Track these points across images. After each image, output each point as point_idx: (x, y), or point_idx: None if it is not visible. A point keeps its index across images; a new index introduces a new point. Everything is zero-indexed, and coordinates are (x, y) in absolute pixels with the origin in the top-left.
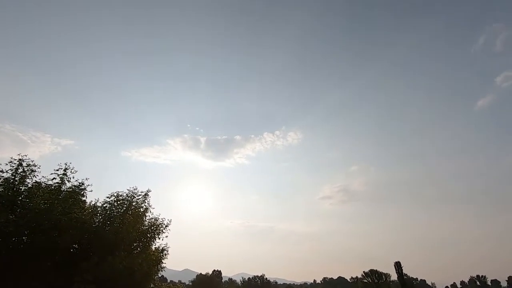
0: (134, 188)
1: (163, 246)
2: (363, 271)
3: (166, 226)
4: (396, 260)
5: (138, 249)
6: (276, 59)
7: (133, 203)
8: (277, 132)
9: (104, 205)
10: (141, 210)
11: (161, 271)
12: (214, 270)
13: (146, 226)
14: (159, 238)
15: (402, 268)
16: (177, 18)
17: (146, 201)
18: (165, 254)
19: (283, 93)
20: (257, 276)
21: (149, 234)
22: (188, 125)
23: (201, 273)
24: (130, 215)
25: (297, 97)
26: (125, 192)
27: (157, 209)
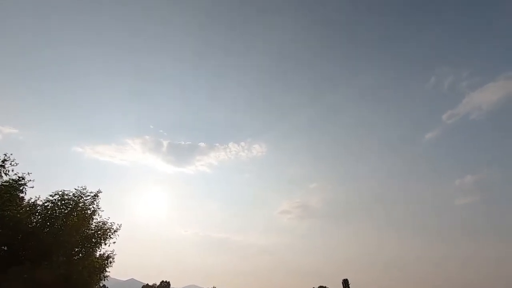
0: (83, 187)
1: (109, 253)
2: (313, 287)
3: (114, 231)
4: (345, 278)
5: (80, 254)
6: (250, 72)
7: (80, 204)
8: (242, 143)
9: (46, 204)
10: (88, 212)
11: (103, 280)
12: (162, 281)
13: (92, 230)
14: (106, 244)
15: (349, 285)
16: (155, 18)
17: (95, 202)
18: (110, 262)
19: (253, 105)
20: None
21: (94, 239)
22: (151, 126)
23: (147, 284)
24: (75, 216)
25: (266, 111)
26: (72, 191)
27: (107, 212)
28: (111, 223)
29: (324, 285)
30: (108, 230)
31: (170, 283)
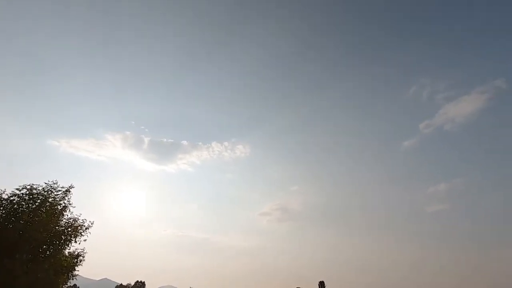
0: (54, 182)
1: (79, 251)
2: None
3: (86, 229)
4: (322, 280)
5: (48, 252)
6: (237, 72)
7: (50, 199)
8: (226, 143)
9: (12, 198)
10: (59, 208)
11: (72, 279)
12: (137, 281)
13: (62, 227)
14: (77, 242)
15: (325, 287)
16: (141, 13)
17: (66, 198)
18: (80, 261)
19: (238, 105)
20: None
21: (64, 236)
22: (133, 122)
23: (121, 284)
24: (44, 212)
25: (252, 112)
26: (41, 186)
27: (81, 209)
28: (83, 220)
29: (301, 287)
30: (79, 227)
31: (145, 283)
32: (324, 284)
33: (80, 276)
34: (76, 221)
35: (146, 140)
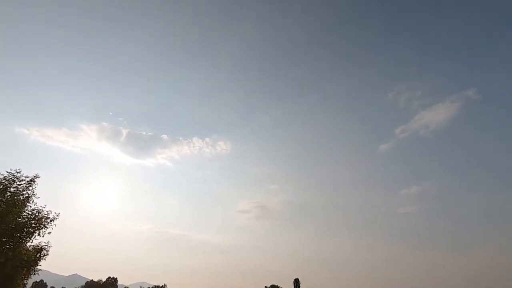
0: (17, 171)
1: (43, 244)
2: (265, 286)
3: (51, 221)
4: (297, 277)
5: (8, 246)
6: (222, 68)
7: (11, 189)
8: (207, 139)
9: None
10: (21, 198)
11: (34, 274)
12: (109, 277)
13: (25, 218)
14: (40, 235)
15: (300, 285)
16: (123, 2)
17: (30, 188)
18: (44, 255)
19: (222, 102)
20: (158, 286)
21: (26, 228)
22: (111, 113)
23: (92, 280)
24: (4, 202)
25: (235, 109)
26: (2, 174)
27: (52, 201)
28: (47, 211)
29: (276, 284)
30: (43, 219)
31: (118, 279)
32: (298, 282)
33: (48, 271)
34: (40, 213)
35: (124, 132)
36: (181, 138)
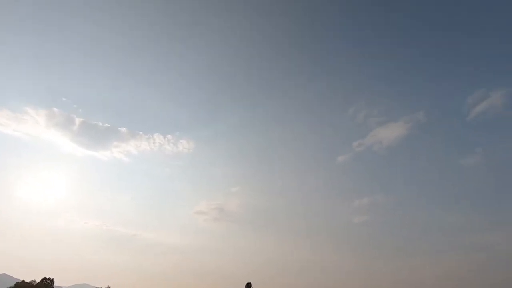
0: None
1: None
2: None
3: None
4: (250, 281)
5: None
6: (193, 63)
7: None
8: (169, 136)
9: None
10: None
11: None
12: (44, 278)
13: None
14: None
15: None
16: None
17: None
18: None
19: (189, 99)
20: None
21: None
22: (64, 99)
23: (23, 281)
24: None
25: (201, 108)
26: None
27: None
28: None
29: None
30: None
31: (55, 280)
32: (250, 286)
33: None
34: None
35: (78, 121)
36: (141, 132)
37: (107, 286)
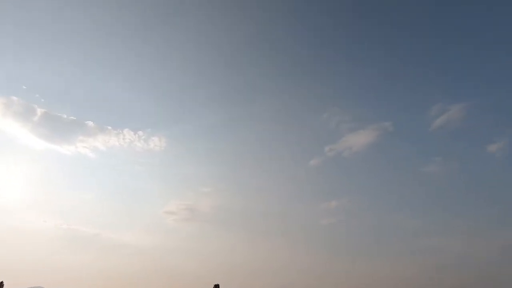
0: None
1: None
2: None
3: None
4: (220, 283)
5: None
6: (169, 56)
7: None
8: (140, 132)
9: None
10: None
11: None
12: None
13: None
14: None
15: None
16: None
17: None
18: None
19: (164, 94)
20: None
21: None
22: (24, 87)
23: None
24: None
25: (177, 104)
26: None
27: None
28: None
29: None
30: None
31: (4, 283)
32: (219, 287)
33: None
34: None
35: (40, 111)
36: (110, 127)
37: None
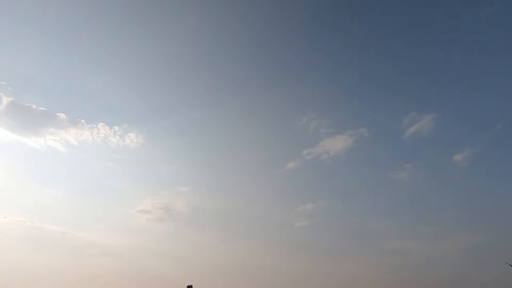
0: None
1: None
2: None
3: None
4: (190, 284)
5: None
6: (153, 48)
7: None
8: (115, 127)
9: None
10: None
11: None
12: None
13: None
14: None
15: None
16: None
17: None
18: None
19: (143, 88)
20: None
21: None
22: None
23: None
24: None
25: (157, 100)
26: None
27: None
28: None
29: None
30: None
31: None
32: None
33: None
34: None
35: (6, 100)
36: (83, 121)
37: None
